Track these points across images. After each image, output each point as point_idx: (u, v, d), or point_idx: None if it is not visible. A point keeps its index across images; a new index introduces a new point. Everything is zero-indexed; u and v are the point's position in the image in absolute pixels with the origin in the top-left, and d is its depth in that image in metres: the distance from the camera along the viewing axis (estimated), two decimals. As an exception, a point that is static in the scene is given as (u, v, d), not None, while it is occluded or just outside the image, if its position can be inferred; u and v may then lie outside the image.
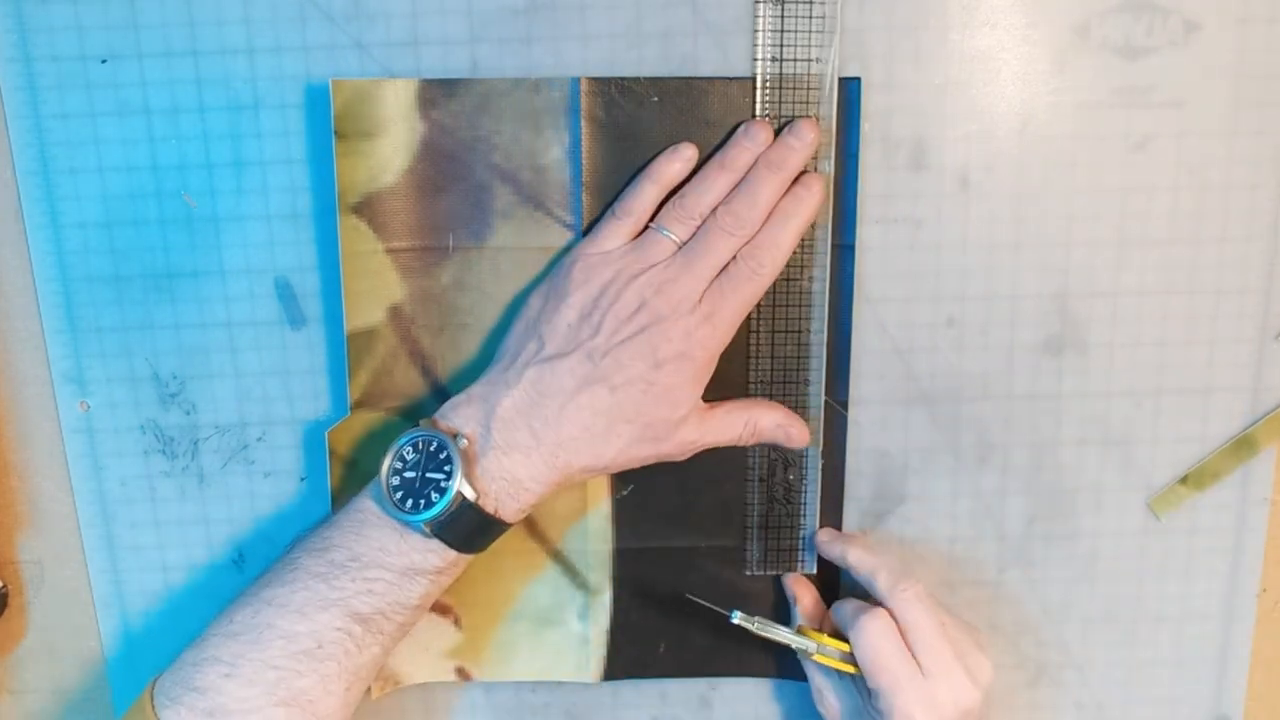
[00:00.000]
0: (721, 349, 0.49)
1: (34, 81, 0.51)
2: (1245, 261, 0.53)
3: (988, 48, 0.51)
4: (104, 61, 0.50)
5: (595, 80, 0.50)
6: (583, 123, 0.50)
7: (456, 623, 0.56)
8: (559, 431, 0.47)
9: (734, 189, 0.49)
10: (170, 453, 0.55)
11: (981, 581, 0.56)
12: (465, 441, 0.47)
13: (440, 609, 0.56)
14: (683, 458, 0.50)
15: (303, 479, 0.55)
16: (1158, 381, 0.54)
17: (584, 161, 0.50)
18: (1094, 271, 0.53)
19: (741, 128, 0.50)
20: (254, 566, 0.56)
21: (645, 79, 0.50)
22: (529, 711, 0.58)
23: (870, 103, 0.51)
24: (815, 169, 0.50)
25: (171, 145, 0.51)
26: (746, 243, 0.48)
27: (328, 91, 0.49)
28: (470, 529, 0.47)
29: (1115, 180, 0.52)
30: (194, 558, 0.56)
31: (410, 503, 0.46)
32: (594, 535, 0.55)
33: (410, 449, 0.47)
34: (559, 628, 0.56)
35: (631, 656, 0.56)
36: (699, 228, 0.49)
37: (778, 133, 0.50)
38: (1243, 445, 0.55)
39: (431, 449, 0.47)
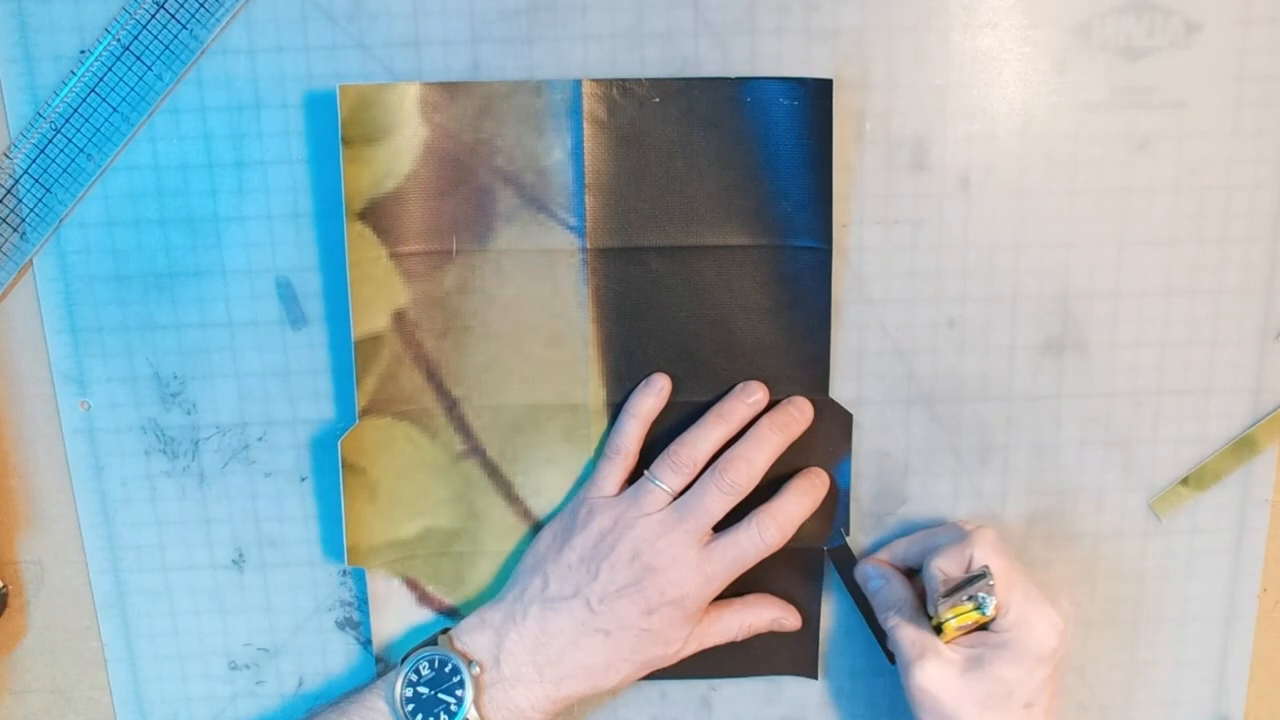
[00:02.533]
0: (715, 595, 0.51)
1: (35, 81, 0.51)
2: (1246, 262, 0.53)
3: (989, 48, 0.51)
4: (105, 61, 0.50)
5: (596, 82, 0.50)
6: (584, 124, 0.50)
7: None
8: (560, 668, 0.50)
9: (734, 444, 0.51)
10: (171, 452, 0.55)
11: (982, 582, 0.56)
12: (478, 669, 0.50)
13: (448, 611, 0.56)
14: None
15: (303, 479, 0.55)
16: (1159, 382, 0.54)
17: (586, 163, 0.50)
18: (1095, 272, 0.53)
19: (739, 386, 0.52)
20: (254, 566, 0.56)
21: (646, 80, 0.50)
22: (529, 712, 0.58)
23: (871, 103, 0.51)
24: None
25: (173, 145, 0.51)
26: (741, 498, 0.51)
27: (329, 93, 0.49)
28: None
29: (1116, 181, 0.52)
30: (194, 557, 0.56)
31: (420, 718, 0.50)
32: None
33: (426, 665, 0.50)
34: None
35: None
36: (694, 478, 0.51)
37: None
38: (1243, 446, 0.55)
39: (446, 670, 0.50)
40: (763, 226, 0.51)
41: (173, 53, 0.50)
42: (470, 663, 0.50)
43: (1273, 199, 0.52)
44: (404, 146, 0.50)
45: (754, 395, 0.52)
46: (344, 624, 0.57)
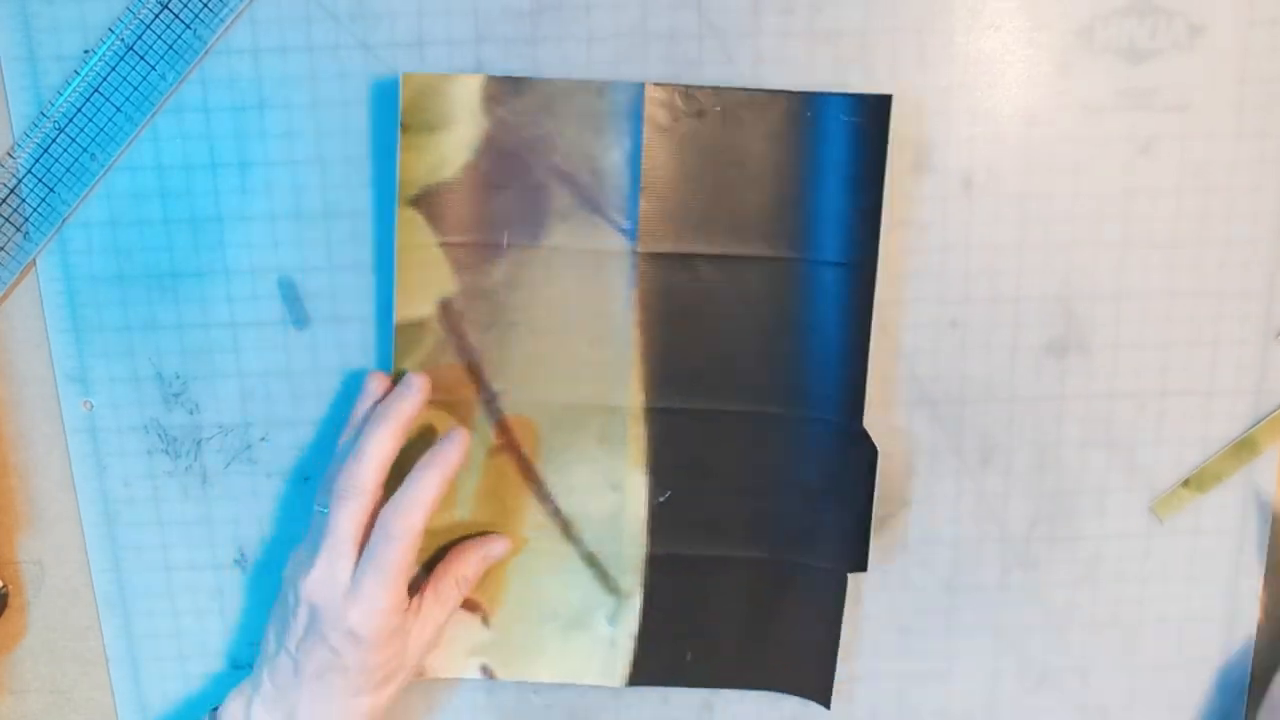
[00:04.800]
0: (396, 610, 0.48)
1: (38, 81, 0.51)
2: (1248, 264, 0.53)
3: (992, 50, 0.51)
4: (109, 61, 0.50)
5: (659, 86, 0.50)
6: (644, 128, 0.50)
7: (485, 620, 0.56)
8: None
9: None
10: (173, 452, 0.55)
11: (984, 584, 0.56)
12: None
13: (469, 604, 0.55)
14: (428, 655, 0.54)
15: (306, 479, 0.55)
16: (1161, 383, 0.54)
17: (643, 167, 0.50)
18: (1097, 273, 0.53)
19: (364, 381, 0.52)
20: (256, 567, 0.56)
21: (709, 88, 0.50)
22: (531, 713, 0.58)
23: (875, 104, 0.51)
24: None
25: (176, 144, 0.51)
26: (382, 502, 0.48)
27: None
28: None
29: (1119, 182, 0.52)
30: (197, 558, 0.56)
31: None
32: (628, 539, 0.55)
33: None
34: (588, 631, 0.56)
35: (658, 663, 0.56)
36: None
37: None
38: (1244, 447, 0.55)
39: None
40: (812, 241, 0.51)
41: (176, 52, 0.50)
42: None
43: (1275, 201, 0.52)
44: (463, 137, 0.50)
45: (369, 386, 0.51)
46: (346, 624, 0.57)
